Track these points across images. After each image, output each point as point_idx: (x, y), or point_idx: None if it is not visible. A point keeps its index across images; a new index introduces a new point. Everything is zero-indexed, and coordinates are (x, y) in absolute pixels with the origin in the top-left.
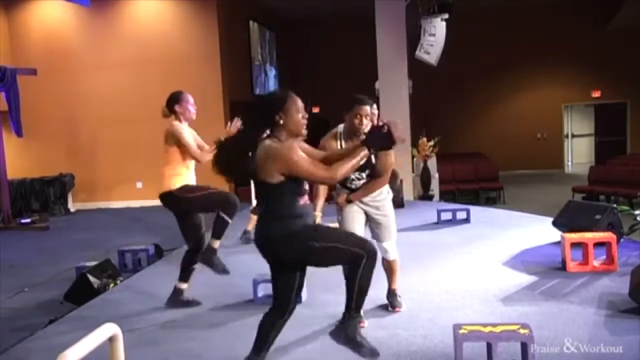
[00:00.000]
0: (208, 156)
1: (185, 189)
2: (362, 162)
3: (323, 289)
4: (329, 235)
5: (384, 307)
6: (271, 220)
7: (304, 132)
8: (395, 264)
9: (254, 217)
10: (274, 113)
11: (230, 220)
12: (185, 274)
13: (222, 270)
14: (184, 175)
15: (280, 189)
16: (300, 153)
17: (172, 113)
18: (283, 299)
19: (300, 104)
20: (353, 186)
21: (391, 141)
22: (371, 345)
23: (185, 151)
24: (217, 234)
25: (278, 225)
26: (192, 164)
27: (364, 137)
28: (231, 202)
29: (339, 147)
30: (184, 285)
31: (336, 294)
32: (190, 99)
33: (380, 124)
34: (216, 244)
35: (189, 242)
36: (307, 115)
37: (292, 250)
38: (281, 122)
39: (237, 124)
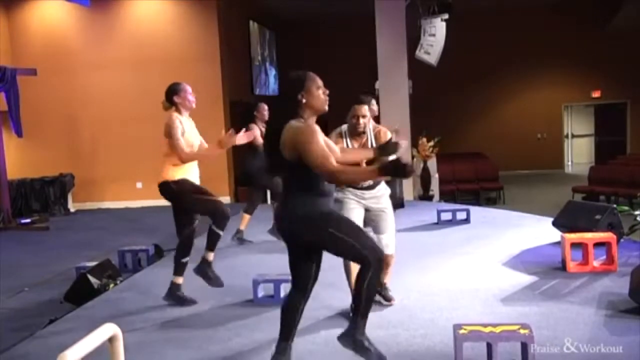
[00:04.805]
0: (193, 158)
1: (184, 183)
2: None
3: (323, 282)
4: (348, 229)
5: (383, 306)
6: (295, 198)
7: (326, 107)
8: (392, 259)
9: (247, 217)
10: (297, 92)
11: (221, 233)
12: (179, 268)
13: (217, 283)
14: (185, 167)
15: (305, 165)
16: (319, 139)
17: (171, 105)
18: (304, 279)
19: (319, 81)
20: (359, 184)
21: (405, 174)
22: (379, 351)
23: (186, 144)
24: (210, 246)
25: (301, 204)
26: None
27: (380, 160)
28: (222, 214)
29: (345, 145)
30: (179, 280)
31: (335, 287)
32: (189, 89)
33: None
34: (210, 256)
35: (180, 233)
36: (327, 91)
37: (311, 232)
38: (304, 100)
39: (233, 138)
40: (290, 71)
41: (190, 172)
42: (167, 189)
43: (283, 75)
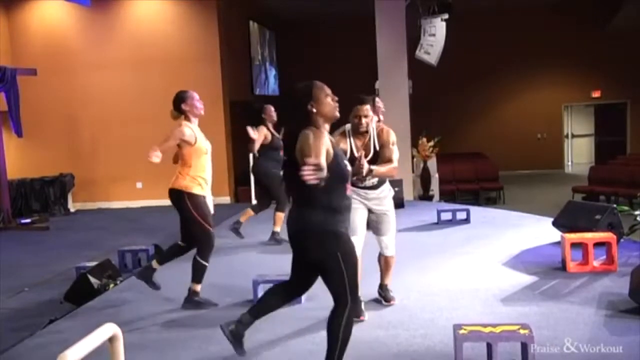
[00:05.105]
0: (154, 156)
1: (198, 201)
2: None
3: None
4: (350, 263)
5: (383, 306)
6: (312, 213)
7: (337, 114)
8: (393, 260)
9: (251, 213)
10: (305, 103)
11: (207, 264)
12: (164, 258)
13: (210, 305)
14: (200, 181)
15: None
16: (320, 146)
17: (180, 113)
18: (298, 283)
19: (327, 89)
20: (360, 184)
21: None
22: None
23: (195, 152)
24: (197, 278)
25: (319, 220)
26: (208, 168)
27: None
28: (208, 242)
29: (348, 145)
30: (157, 266)
31: None
32: (196, 95)
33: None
34: (197, 287)
35: (183, 239)
36: (336, 98)
37: (321, 251)
38: (314, 110)
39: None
40: (296, 83)
41: (205, 187)
42: (181, 199)
43: (288, 87)
